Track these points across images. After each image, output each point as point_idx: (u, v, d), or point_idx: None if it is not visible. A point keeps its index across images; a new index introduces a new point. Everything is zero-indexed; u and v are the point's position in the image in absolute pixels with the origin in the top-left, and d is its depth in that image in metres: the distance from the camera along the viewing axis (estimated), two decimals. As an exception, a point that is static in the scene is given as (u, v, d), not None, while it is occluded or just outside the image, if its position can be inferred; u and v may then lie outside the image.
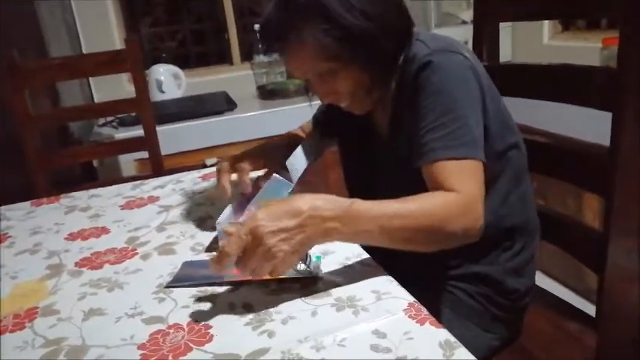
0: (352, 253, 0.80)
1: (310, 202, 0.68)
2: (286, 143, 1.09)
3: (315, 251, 0.73)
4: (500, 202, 0.91)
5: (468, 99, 0.81)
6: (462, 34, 2.54)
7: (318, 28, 0.80)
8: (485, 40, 1.18)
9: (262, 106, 2.35)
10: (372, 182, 0.99)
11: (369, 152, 1.01)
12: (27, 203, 1.19)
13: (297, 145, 0.97)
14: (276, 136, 1.16)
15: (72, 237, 0.98)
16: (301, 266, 0.72)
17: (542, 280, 1.04)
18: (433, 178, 0.78)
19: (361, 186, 1.02)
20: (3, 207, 1.18)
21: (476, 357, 0.56)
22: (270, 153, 1.03)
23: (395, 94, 0.91)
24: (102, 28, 2.47)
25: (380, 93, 0.91)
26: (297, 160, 0.93)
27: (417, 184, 0.78)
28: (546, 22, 2.47)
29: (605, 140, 0.90)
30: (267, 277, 0.69)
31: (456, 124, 0.78)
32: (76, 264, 0.86)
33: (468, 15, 2.64)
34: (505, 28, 2.52)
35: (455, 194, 0.74)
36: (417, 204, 0.74)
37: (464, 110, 0.79)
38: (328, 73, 0.86)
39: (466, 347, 0.58)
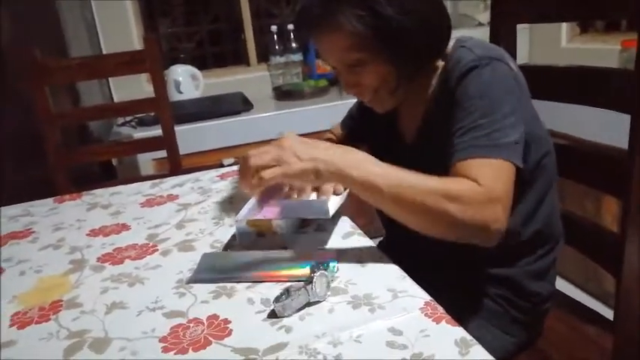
0: (369, 251, 0.81)
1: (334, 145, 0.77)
2: None
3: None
4: (530, 210, 0.90)
5: (509, 105, 0.79)
6: (478, 36, 2.53)
7: (354, 13, 0.81)
8: (502, 42, 1.17)
9: (278, 106, 2.37)
10: None
11: (395, 158, 1.01)
12: (50, 200, 1.22)
13: None
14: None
15: (94, 233, 1.00)
16: (310, 290, 0.68)
17: (559, 283, 1.04)
18: (460, 172, 0.76)
19: None
20: (26, 203, 1.21)
21: (494, 358, 0.56)
22: None
23: (432, 99, 0.91)
24: (121, 27, 2.51)
25: (404, 92, 0.91)
26: None
27: None
28: (564, 25, 2.46)
29: (623, 143, 0.90)
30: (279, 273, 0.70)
31: (494, 126, 0.77)
32: (98, 259, 0.88)
33: (484, 17, 2.64)
34: (522, 31, 2.50)
35: (478, 186, 0.73)
36: (437, 181, 0.74)
37: (504, 115, 0.78)
38: (357, 63, 0.86)
39: (485, 348, 0.58)
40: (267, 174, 0.75)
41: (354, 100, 1.16)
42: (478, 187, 0.73)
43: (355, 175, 0.74)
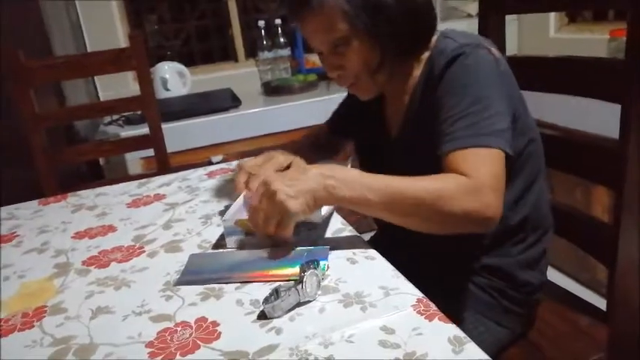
0: (359, 248, 0.80)
1: (319, 166, 0.77)
2: (308, 143, 1.12)
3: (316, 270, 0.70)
4: (517, 196, 0.90)
5: (497, 92, 0.80)
6: (467, 28, 2.52)
7: None
8: (491, 33, 1.17)
9: (267, 102, 2.35)
10: None
11: (381, 152, 1.02)
12: (34, 202, 1.20)
13: (319, 144, 1.01)
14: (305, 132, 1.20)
15: (79, 235, 0.98)
16: (300, 290, 0.67)
17: (552, 274, 1.03)
18: (448, 165, 0.77)
19: None
20: (11, 206, 1.18)
21: (487, 350, 0.56)
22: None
23: (415, 91, 0.91)
24: (106, 26, 2.48)
25: (386, 78, 0.91)
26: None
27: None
28: (552, 15, 2.45)
29: (614, 133, 0.89)
30: (275, 273, 0.68)
31: (483, 114, 0.78)
32: (84, 262, 0.86)
33: (473, 8, 2.63)
34: (511, 22, 2.50)
35: (465, 177, 0.74)
36: (423, 181, 0.74)
37: (493, 101, 0.79)
38: (340, 43, 0.87)
39: (477, 340, 0.57)
40: (284, 232, 0.77)
41: (344, 94, 1.15)
42: (468, 180, 0.73)
43: (347, 195, 0.75)
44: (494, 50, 0.85)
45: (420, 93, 0.90)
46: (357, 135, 1.10)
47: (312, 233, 0.86)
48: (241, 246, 0.85)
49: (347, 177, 0.75)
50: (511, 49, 1.24)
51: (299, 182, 0.75)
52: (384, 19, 0.84)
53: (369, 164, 1.06)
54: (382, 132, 1.01)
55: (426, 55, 0.91)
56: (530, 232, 0.94)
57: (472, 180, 0.73)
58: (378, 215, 0.77)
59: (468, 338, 0.58)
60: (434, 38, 0.91)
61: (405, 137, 0.95)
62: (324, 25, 0.86)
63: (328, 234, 0.86)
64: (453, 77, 0.81)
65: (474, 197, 0.73)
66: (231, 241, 0.85)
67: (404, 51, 0.89)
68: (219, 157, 2.10)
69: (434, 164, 0.79)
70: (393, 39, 0.86)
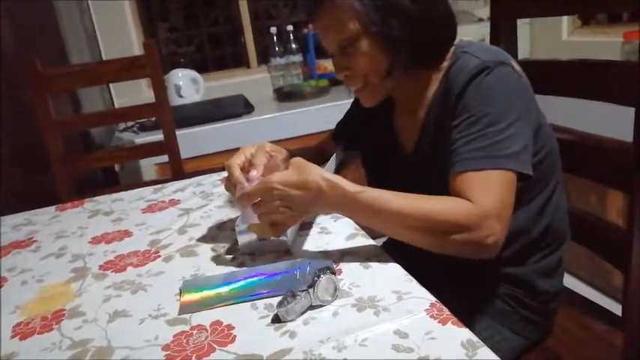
0: (373, 253, 0.80)
1: (320, 181, 0.76)
2: (315, 152, 1.11)
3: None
4: (539, 207, 0.89)
5: (516, 111, 0.78)
6: (478, 32, 2.52)
7: None
8: (503, 37, 1.17)
9: (279, 108, 2.36)
10: None
11: (393, 165, 1.00)
12: (52, 208, 1.22)
13: (324, 154, 0.99)
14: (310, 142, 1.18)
15: (96, 240, 0.99)
16: (312, 295, 0.68)
17: (567, 281, 1.03)
18: (456, 187, 0.77)
19: None
20: (29, 212, 1.20)
21: (503, 358, 0.56)
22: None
23: (433, 107, 0.89)
24: (120, 34, 2.51)
25: (393, 84, 0.89)
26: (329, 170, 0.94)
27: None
28: (565, 18, 2.44)
29: (628, 136, 0.89)
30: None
31: (499, 136, 0.76)
32: (100, 267, 0.88)
33: (484, 12, 2.63)
34: (523, 25, 2.49)
35: (470, 205, 0.73)
36: (425, 206, 0.74)
37: (510, 123, 0.77)
38: (349, 43, 0.85)
39: (494, 349, 0.57)
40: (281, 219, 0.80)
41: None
42: (472, 208, 0.73)
43: (342, 214, 0.81)
44: (516, 65, 0.83)
45: (437, 109, 0.88)
46: (364, 147, 1.08)
47: (323, 237, 0.87)
48: (255, 251, 0.86)
49: (351, 202, 0.76)
50: (523, 53, 1.24)
51: (298, 203, 0.77)
52: (399, 22, 0.82)
53: (378, 177, 1.05)
54: (395, 146, 0.99)
55: (443, 68, 0.88)
56: (548, 240, 0.93)
57: (479, 209, 0.73)
58: (379, 231, 0.79)
59: (482, 342, 0.58)
60: (450, 50, 0.88)
61: (421, 153, 0.93)
62: (334, 24, 0.85)
63: (341, 239, 0.86)
64: (473, 96, 0.80)
65: (481, 228, 0.73)
66: (244, 246, 0.86)
67: (417, 59, 0.87)
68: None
69: (449, 182, 0.79)
70: (406, 44, 0.84)
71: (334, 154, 0.98)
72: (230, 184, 0.88)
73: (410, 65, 0.87)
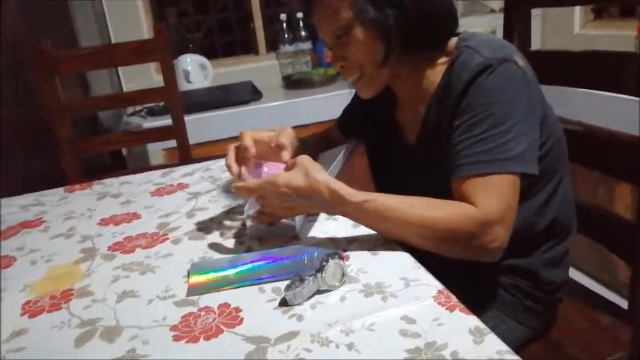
0: (380, 240, 0.80)
1: (325, 190, 0.76)
2: (322, 138, 1.12)
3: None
4: (544, 200, 0.89)
5: (522, 108, 0.77)
6: (491, 23, 2.50)
7: None
8: (515, 28, 1.16)
9: (287, 95, 2.35)
10: (399, 188, 0.97)
11: (396, 158, 1.00)
12: (60, 189, 1.22)
13: (331, 140, 1.01)
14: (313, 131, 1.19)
15: (104, 222, 1.00)
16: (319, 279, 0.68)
17: (574, 274, 1.02)
18: (460, 191, 0.77)
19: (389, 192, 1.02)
20: (38, 193, 1.21)
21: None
22: (303, 148, 1.03)
23: (435, 101, 0.88)
24: (130, 18, 2.50)
25: (389, 73, 0.89)
26: (331, 157, 0.95)
27: (448, 192, 0.78)
28: (577, 10, 2.42)
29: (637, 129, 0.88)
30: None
31: (503, 138, 0.75)
32: (109, 248, 0.88)
33: (496, 3, 2.60)
34: (535, 18, 2.47)
35: (474, 210, 0.73)
36: (429, 213, 0.74)
37: (515, 123, 0.76)
38: (344, 33, 0.85)
39: (499, 338, 0.57)
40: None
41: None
42: (476, 215, 0.73)
43: (349, 216, 0.81)
44: (520, 60, 0.81)
45: (439, 103, 0.86)
46: (367, 137, 1.08)
47: (331, 223, 0.87)
48: (263, 236, 0.86)
49: (354, 210, 0.77)
50: (534, 44, 1.23)
51: (300, 206, 0.80)
52: (393, 9, 0.82)
53: (382, 168, 1.05)
54: (397, 137, 0.99)
55: (443, 62, 0.87)
56: (554, 231, 0.92)
57: (483, 215, 0.73)
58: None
59: (489, 330, 0.58)
60: (453, 43, 0.87)
61: (422, 146, 0.93)
62: (329, 14, 0.85)
63: (348, 226, 0.86)
64: (475, 97, 0.78)
65: (484, 234, 0.73)
66: (253, 230, 0.86)
67: (413, 48, 0.86)
68: (240, 150, 2.11)
69: (451, 184, 0.79)
70: (400, 32, 0.83)
71: (342, 150, 0.98)
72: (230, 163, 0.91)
73: (407, 55, 0.87)
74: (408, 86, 0.93)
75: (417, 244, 0.76)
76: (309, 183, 0.77)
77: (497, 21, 1.19)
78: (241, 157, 0.92)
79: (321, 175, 0.78)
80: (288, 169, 0.83)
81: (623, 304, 1.04)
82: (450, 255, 0.76)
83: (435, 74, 0.88)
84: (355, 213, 0.78)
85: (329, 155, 0.98)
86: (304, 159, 0.80)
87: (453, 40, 0.88)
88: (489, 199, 0.74)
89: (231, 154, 0.92)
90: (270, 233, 0.86)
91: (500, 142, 0.75)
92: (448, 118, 0.82)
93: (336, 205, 0.78)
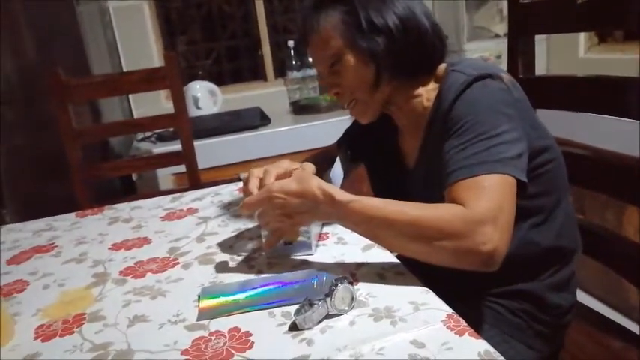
0: (389, 263, 0.81)
1: (316, 190, 0.77)
2: (321, 160, 1.13)
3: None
4: (543, 219, 0.89)
5: (508, 120, 0.79)
6: (495, 48, 2.53)
7: (338, 10, 0.88)
8: (520, 53, 1.17)
9: (295, 121, 2.39)
10: None
11: (397, 181, 1.03)
12: (72, 214, 1.24)
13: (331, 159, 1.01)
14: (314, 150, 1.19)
15: (116, 247, 1.01)
16: (327, 304, 0.68)
17: (582, 298, 1.02)
18: (450, 195, 0.77)
19: None
20: (50, 218, 1.23)
21: (517, 372, 0.56)
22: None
23: (428, 125, 0.91)
24: (141, 46, 2.56)
25: (383, 100, 0.92)
26: (337, 173, 0.96)
27: None
28: (582, 35, 2.44)
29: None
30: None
31: (490, 142, 0.76)
32: (120, 272, 0.89)
33: (500, 28, 2.63)
34: (539, 42, 2.49)
35: (463, 210, 0.72)
36: (415, 212, 0.74)
37: (504, 130, 0.77)
38: (336, 60, 0.90)
39: (507, 362, 0.57)
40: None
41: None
42: (463, 213, 0.72)
43: (344, 224, 0.81)
44: (506, 77, 0.84)
45: (433, 128, 0.89)
46: (370, 161, 1.11)
47: (340, 247, 0.88)
48: (280, 254, 0.88)
49: (344, 211, 0.77)
50: (539, 69, 1.24)
51: (296, 212, 0.80)
52: (382, 37, 0.86)
53: (383, 189, 1.07)
54: (399, 163, 1.03)
55: (434, 87, 0.90)
56: (560, 254, 0.93)
57: (473, 214, 0.71)
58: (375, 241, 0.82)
59: (498, 353, 0.58)
60: (442, 68, 0.91)
61: (421, 170, 0.95)
62: (321, 43, 0.90)
63: (358, 250, 0.87)
64: (460, 110, 0.81)
65: (474, 233, 0.70)
66: (271, 249, 0.87)
67: (402, 73, 0.89)
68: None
69: (445, 196, 0.79)
70: (390, 59, 0.87)
71: (338, 158, 1.01)
72: (245, 189, 0.90)
73: (397, 80, 0.90)
74: (404, 113, 0.96)
75: (406, 248, 0.75)
76: (302, 186, 0.78)
77: (502, 46, 1.21)
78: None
79: (313, 180, 0.79)
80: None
81: (634, 328, 1.03)
82: (441, 261, 0.74)
83: (428, 100, 0.92)
84: (344, 212, 0.77)
85: (336, 169, 1.01)
86: (299, 171, 0.83)
87: (443, 66, 0.91)
88: (478, 199, 0.72)
89: (254, 181, 0.89)
90: (286, 252, 0.87)
91: (489, 146, 0.76)
92: (442, 138, 0.84)
93: (326, 207, 0.77)
